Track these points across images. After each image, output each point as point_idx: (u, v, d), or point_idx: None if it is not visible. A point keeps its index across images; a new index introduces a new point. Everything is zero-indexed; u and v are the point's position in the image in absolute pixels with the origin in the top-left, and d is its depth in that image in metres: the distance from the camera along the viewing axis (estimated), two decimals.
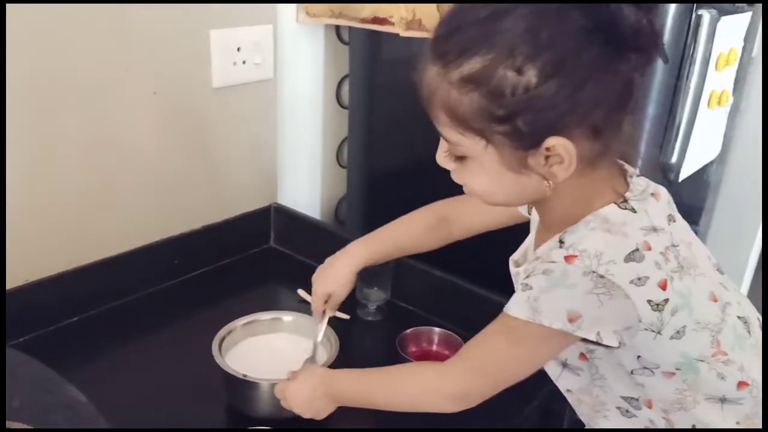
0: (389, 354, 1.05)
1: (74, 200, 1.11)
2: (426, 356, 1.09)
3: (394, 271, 1.19)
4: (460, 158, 0.71)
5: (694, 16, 1.10)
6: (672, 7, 1.06)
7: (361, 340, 1.19)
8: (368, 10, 1.24)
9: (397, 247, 1.02)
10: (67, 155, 1.08)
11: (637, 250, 0.66)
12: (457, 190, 0.76)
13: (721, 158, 1.47)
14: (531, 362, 0.73)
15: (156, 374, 1.03)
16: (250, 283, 1.31)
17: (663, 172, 1.20)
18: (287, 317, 1.08)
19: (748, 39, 1.31)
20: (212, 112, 1.26)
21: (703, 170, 1.39)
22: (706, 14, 1.10)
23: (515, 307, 0.70)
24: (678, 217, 0.75)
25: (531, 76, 0.62)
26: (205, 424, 0.95)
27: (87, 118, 1.09)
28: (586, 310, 0.66)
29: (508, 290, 0.83)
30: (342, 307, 1.08)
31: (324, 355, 1.00)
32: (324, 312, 1.03)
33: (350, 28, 1.34)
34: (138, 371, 1.03)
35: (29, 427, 0.69)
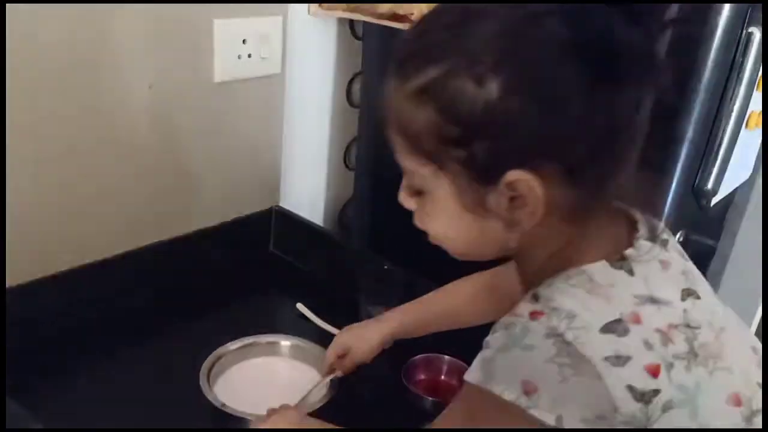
0: (394, 384, 0.98)
1: (53, 200, 1.00)
2: (434, 386, 1.04)
3: (403, 290, 1.10)
4: (419, 194, 0.60)
5: (744, 33, 1.01)
6: (720, 24, 0.97)
7: (363, 366, 1.10)
8: (387, 5, 1.15)
9: (436, 317, 0.94)
10: (47, 151, 0.98)
11: (619, 320, 0.54)
12: None
13: (750, 179, 1.40)
14: None
15: (135, 399, 0.93)
16: (245, 292, 1.24)
17: (696, 198, 1.13)
18: (285, 342, 1.01)
19: None
20: (213, 108, 1.17)
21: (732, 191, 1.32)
22: (756, 32, 1.01)
23: (470, 369, 0.58)
24: (705, 295, 0.61)
25: (492, 89, 0.52)
26: None
27: (72, 112, 0.99)
28: (544, 382, 0.53)
29: None
30: (344, 322, 1.01)
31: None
32: (332, 368, 0.94)
33: (365, 23, 1.25)
34: (115, 395, 0.94)
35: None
